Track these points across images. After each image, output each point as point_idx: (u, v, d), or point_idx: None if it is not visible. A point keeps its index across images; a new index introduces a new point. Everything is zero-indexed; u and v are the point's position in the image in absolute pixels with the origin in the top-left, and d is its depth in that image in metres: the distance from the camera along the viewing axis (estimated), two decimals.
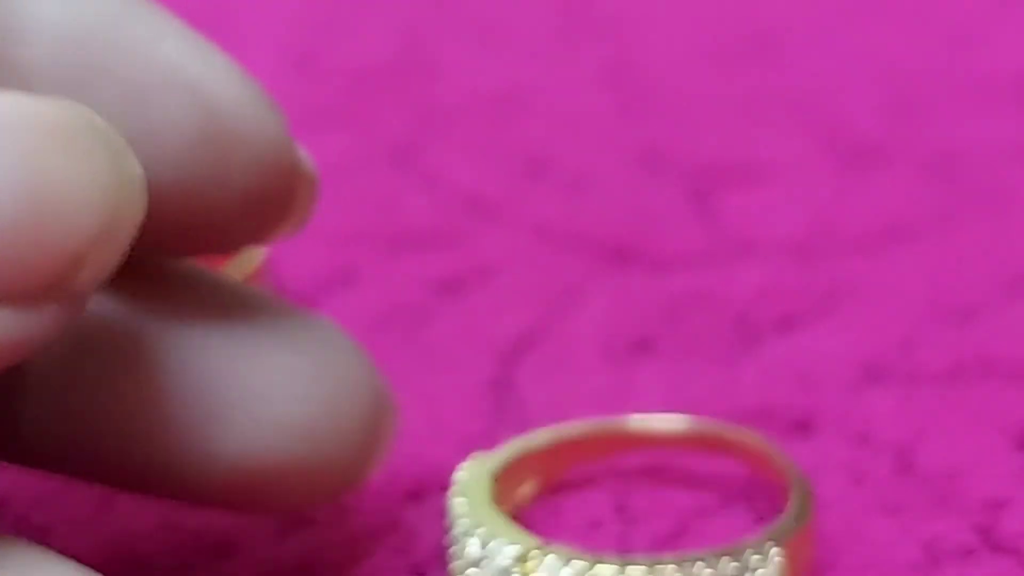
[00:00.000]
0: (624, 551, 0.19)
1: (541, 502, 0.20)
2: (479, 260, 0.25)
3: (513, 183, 0.28)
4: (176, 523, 0.19)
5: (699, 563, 0.17)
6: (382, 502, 0.20)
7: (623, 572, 0.17)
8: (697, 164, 0.30)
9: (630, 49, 0.36)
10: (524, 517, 0.19)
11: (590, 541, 0.19)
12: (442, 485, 0.19)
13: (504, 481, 0.19)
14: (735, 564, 0.17)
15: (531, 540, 0.17)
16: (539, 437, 0.20)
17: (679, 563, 0.17)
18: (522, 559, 0.17)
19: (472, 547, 0.17)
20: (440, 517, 0.19)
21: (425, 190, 0.29)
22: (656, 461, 0.20)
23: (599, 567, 0.17)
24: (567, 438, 0.20)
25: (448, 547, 0.18)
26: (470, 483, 0.18)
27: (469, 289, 0.25)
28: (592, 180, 0.29)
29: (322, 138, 0.31)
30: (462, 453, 0.20)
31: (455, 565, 0.18)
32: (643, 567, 0.17)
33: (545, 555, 0.17)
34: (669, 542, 0.19)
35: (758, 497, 0.19)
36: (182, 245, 0.17)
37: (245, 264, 0.22)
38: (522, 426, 0.21)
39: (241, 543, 0.19)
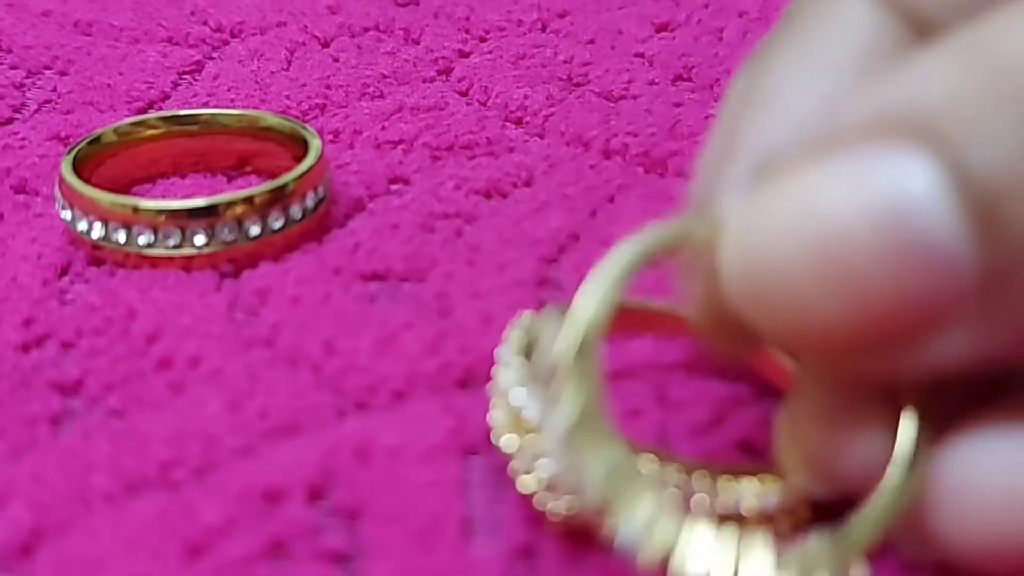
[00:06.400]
0: (663, 439, 0.19)
1: None
2: (521, 168, 0.26)
3: (553, 97, 0.29)
4: (241, 405, 0.19)
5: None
6: (435, 389, 0.20)
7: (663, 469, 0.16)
8: (725, 80, 0.30)
9: None
10: None
11: (631, 429, 0.18)
12: (490, 375, 0.19)
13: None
14: None
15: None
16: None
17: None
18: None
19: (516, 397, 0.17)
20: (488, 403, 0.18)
21: (470, 103, 0.29)
22: (694, 355, 0.20)
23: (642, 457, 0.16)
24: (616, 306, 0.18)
25: (495, 410, 0.17)
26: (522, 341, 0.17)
27: (512, 194, 0.25)
28: (626, 95, 0.29)
29: (374, 52, 0.31)
30: None
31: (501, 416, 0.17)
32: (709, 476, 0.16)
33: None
34: (708, 430, 0.19)
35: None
36: None
37: (303, 164, 0.23)
38: None
39: (302, 425, 0.19)
